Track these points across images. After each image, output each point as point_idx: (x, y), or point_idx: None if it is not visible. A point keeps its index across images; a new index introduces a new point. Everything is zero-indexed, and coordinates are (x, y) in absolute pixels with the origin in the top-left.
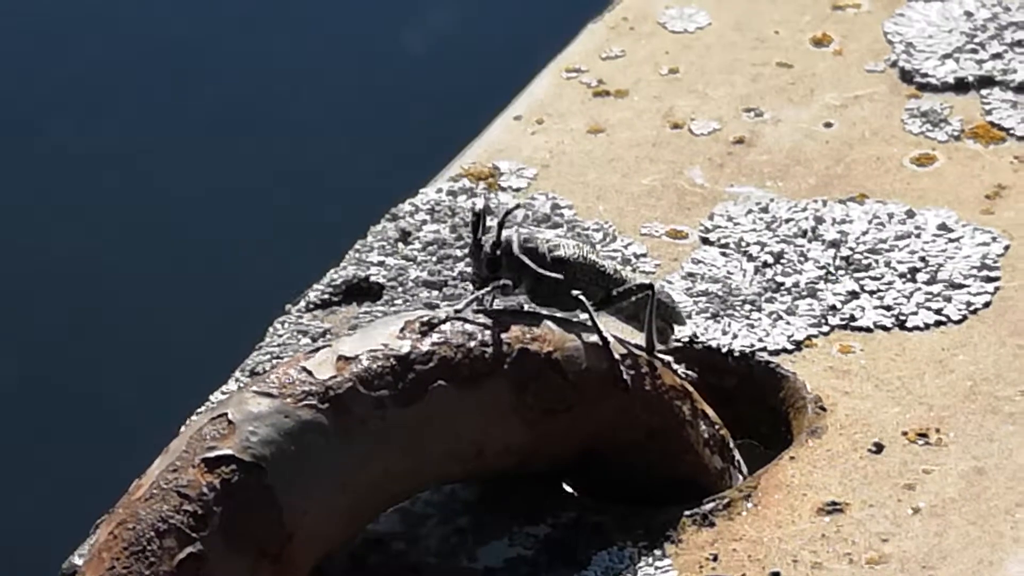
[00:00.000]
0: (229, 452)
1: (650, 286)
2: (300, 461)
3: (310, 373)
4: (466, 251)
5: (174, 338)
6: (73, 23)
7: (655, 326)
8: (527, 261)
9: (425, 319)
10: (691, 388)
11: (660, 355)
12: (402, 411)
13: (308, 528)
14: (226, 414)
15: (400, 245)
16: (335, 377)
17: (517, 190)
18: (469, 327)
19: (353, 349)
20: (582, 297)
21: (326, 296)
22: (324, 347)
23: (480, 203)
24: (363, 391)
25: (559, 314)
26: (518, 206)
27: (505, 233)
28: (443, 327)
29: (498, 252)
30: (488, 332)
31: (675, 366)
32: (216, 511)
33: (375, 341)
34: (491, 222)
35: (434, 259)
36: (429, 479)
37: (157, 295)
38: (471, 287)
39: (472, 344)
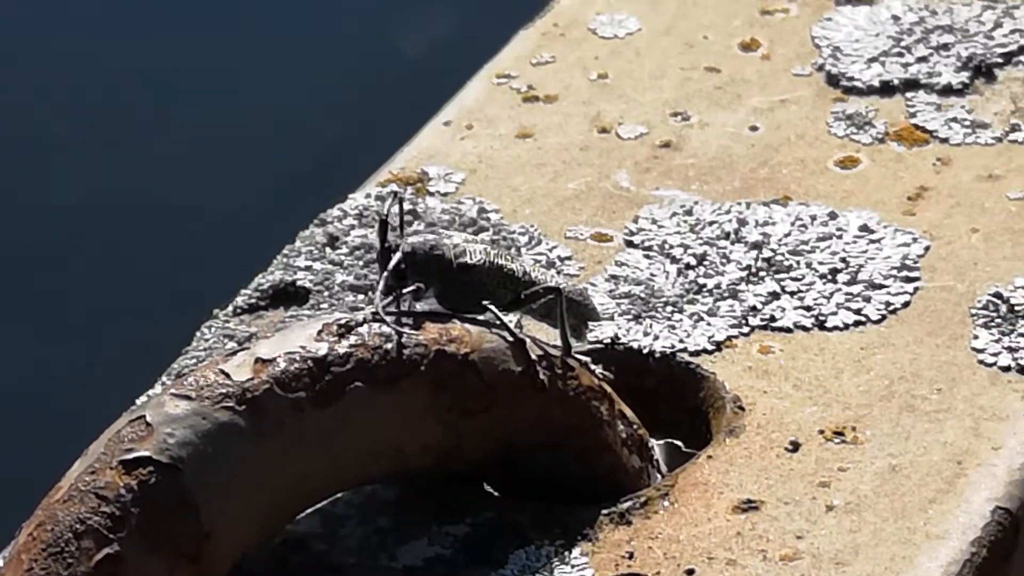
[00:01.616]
0: (146, 454)
1: (557, 289)
2: (217, 462)
3: (228, 375)
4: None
5: (102, 341)
6: None
7: (568, 325)
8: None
9: (343, 321)
10: (609, 388)
11: (577, 355)
12: (319, 412)
13: (226, 528)
14: (144, 416)
15: (328, 250)
16: (252, 379)
17: (445, 195)
18: (386, 329)
19: (271, 351)
20: (490, 304)
21: (253, 300)
22: (242, 350)
23: (386, 208)
24: (280, 393)
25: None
26: (396, 196)
27: (410, 240)
28: (360, 329)
29: (402, 265)
30: (406, 334)
31: (592, 366)
32: (133, 512)
33: (293, 343)
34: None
35: (361, 263)
36: (348, 480)
37: (83, 298)
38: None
39: (389, 346)
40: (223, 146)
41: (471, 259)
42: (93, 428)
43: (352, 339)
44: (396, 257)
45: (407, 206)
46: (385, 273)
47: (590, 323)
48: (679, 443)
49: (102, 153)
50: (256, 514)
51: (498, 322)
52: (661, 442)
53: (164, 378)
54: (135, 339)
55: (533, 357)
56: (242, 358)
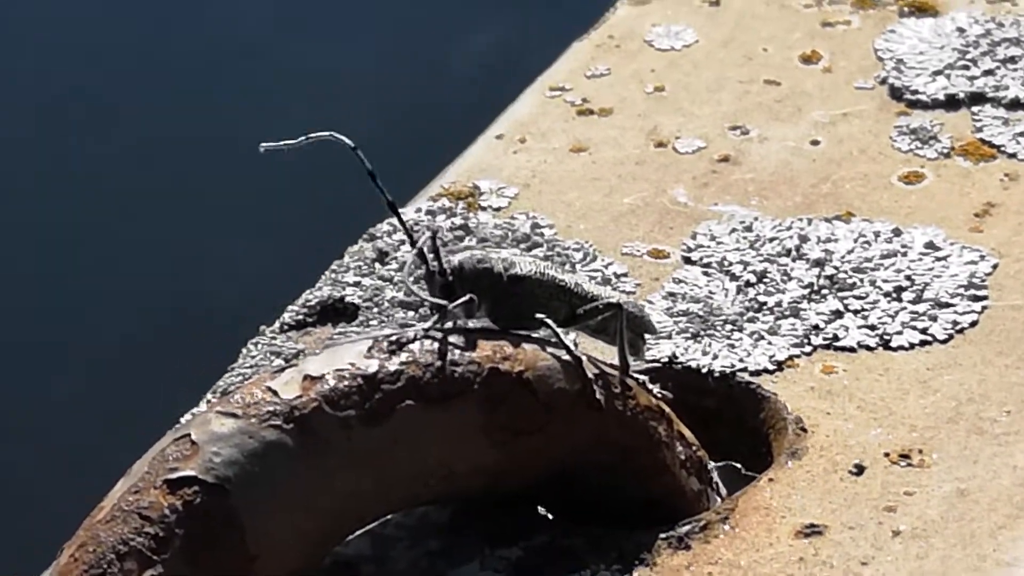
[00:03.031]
0: (192, 473)
1: (618, 305)
2: (264, 482)
3: (275, 393)
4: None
5: (148, 360)
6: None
7: (627, 341)
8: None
9: (393, 338)
10: (667, 408)
11: (635, 375)
12: (369, 431)
13: (272, 551)
14: (189, 435)
15: (377, 265)
16: (300, 397)
17: (497, 209)
18: (438, 346)
19: (319, 369)
20: (546, 319)
21: (300, 317)
22: (290, 367)
23: (427, 234)
24: (329, 411)
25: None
26: (432, 232)
27: (457, 257)
28: (412, 346)
29: (450, 277)
30: (458, 351)
31: (650, 386)
32: (178, 533)
33: (342, 360)
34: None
35: (411, 279)
36: (398, 501)
37: (131, 316)
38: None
39: (441, 363)
40: (270, 163)
41: (521, 270)
42: (137, 447)
43: (403, 356)
44: (422, 239)
45: (459, 220)
46: (434, 292)
47: (647, 337)
48: (738, 465)
49: (150, 164)
50: (303, 536)
51: (554, 338)
52: (720, 464)
53: (209, 396)
54: (180, 356)
55: (590, 375)
56: (290, 375)
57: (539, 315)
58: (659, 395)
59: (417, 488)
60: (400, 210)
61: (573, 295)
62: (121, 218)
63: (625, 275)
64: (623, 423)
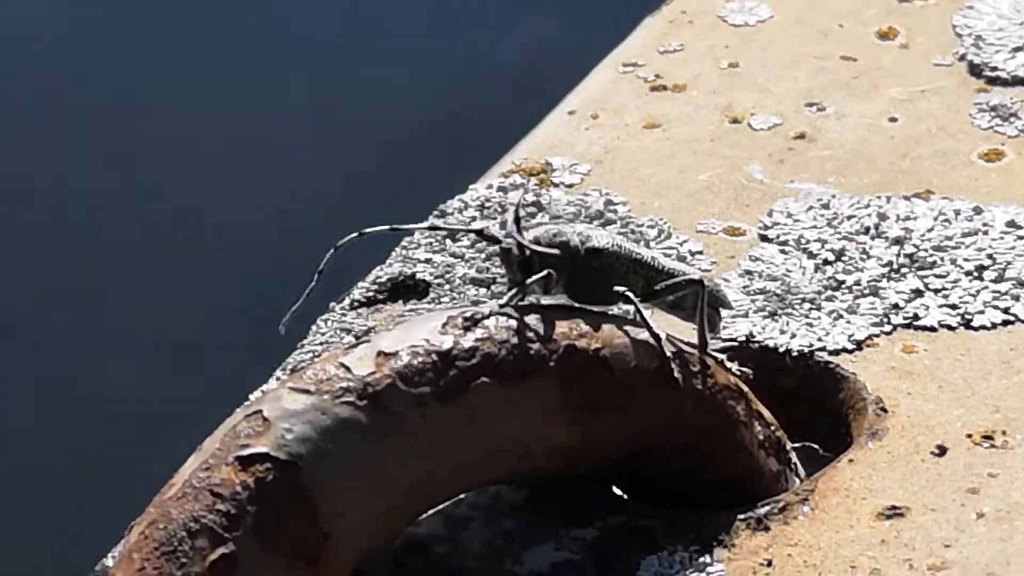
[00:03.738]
0: (264, 450)
1: (700, 281)
2: (337, 460)
3: (348, 369)
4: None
5: (216, 336)
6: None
7: (705, 317)
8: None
9: (468, 314)
10: (746, 388)
11: (713, 353)
12: (443, 409)
13: (345, 530)
14: (261, 411)
15: (448, 242)
16: (374, 373)
17: (570, 186)
18: (514, 323)
19: (393, 345)
20: (628, 292)
21: (371, 294)
22: (363, 343)
23: (516, 197)
24: (403, 388)
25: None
26: (523, 190)
27: (533, 232)
28: (487, 323)
29: (527, 252)
30: (534, 328)
31: (729, 364)
32: (250, 511)
33: (416, 336)
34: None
35: (482, 256)
36: (472, 480)
37: (199, 292)
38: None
39: (517, 340)
40: (342, 139)
41: (598, 243)
42: (207, 423)
43: (478, 333)
44: (512, 208)
45: (531, 197)
46: (512, 269)
47: (722, 314)
48: (817, 447)
49: (225, 143)
50: (377, 515)
51: (631, 314)
52: (797, 445)
53: (279, 373)
54: (249, 333)
55: (668, 353)
56: (363, 351)
57: (618, 288)
58: (738, 373)
59: (492, 467)
60: (471, 187)
61: (651, 269)
62: (185, 190)
63: (700, 252)
64: (701, 402)
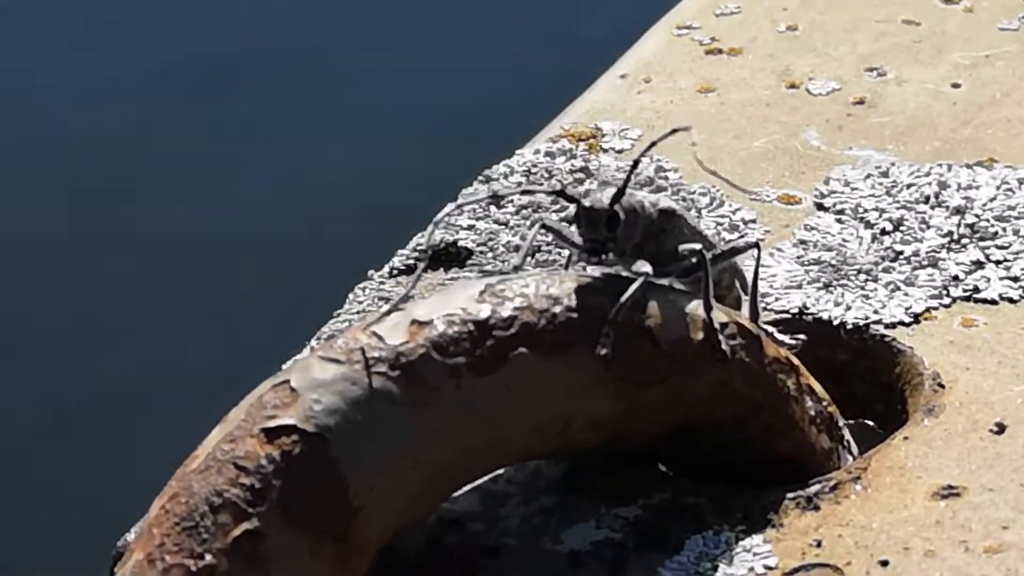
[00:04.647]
0: (291, 422)
1: (756, 244)
2: (368, 432)
3: (381, 338)
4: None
5: (254, 305)
6: None
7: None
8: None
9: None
10: (797, 361)
11: (763, 325)
12: (479, 380)
13: (375, 505)
14: (288, 381)
15: (492, 208)
16: (407, 343)
17: (620, 151)
18: (555, 291)
19: (428, 313)
20: (703, 251)
21: (411, 261)
22: (397, 311)
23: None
24: (437, 358)
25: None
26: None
27: (597, 195)
28: (526, 291)
29: (614, 209)
30: (576, 297)
31: (780, 336)
32: (275, 485)
33: (452, 305)
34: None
35: (527, 223)
36: (510, 455)
37: (237, 259)
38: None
39: (558, 309)
40: (391, 106)
41: (667, 204)
42: (239, 395)
43: (517, 301)
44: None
45: (579, 163)
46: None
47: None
48: (872, 423)
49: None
50: (409, 490)
51: (684, 282)
52: (852, 422)
53: (313, 342)
54: (290, 302)
55: (716, 324)
56: (396, 319)
57: (690, 246)
58: (791, 341)
59: (531, 442)
60: (518, 152)
61: (703, 237)
62: (233, 164)
63: (753, 221)
64: (750, 375)
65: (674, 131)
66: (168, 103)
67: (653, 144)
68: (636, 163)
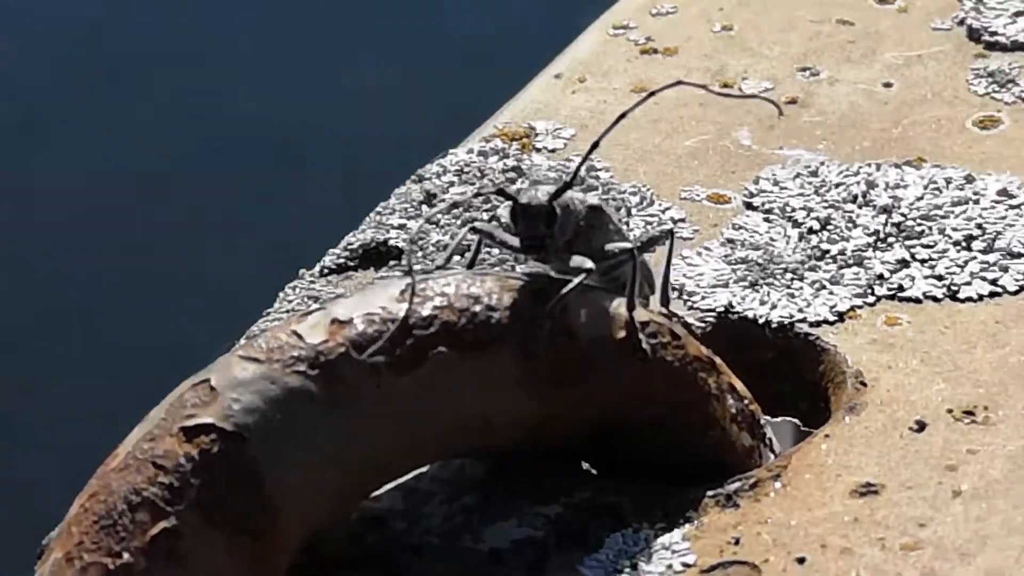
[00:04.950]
0: (209, 420)
1: (671, 232)
2: (287, 431)
3: (300, 337)
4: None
5: (185, 304)
6: None
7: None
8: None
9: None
10: (718, 360)
11: (669, 311)
12: (399, 379)
13: (294, 503)
14: (209, 380)
15: (424, 207)
16: (327, 342)
17: (552, 151)
18: (476, 290)
19: (348, 312)
20: (633, 249)
21: (342, 260)
22: (317, 310)
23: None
24: (357, 357)
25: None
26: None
27: (532, 192)
28: (447, 290)
29: (554, 206)
30: (496, 296)
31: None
32: (193, 483)
33: (372, 304)
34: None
35: (458, 222)
36: (430, 453)
37: (168, 260)
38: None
39: (477, 308)
40: (318, 105)
41: (595, 200)
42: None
43: (437, 300)
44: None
45: (512, 162)
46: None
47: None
48: (797, 421)
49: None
50: (328, 488)
51: (605, 278)
52: (778, 420)
53: (243, 341)
54: (216, 300)
55: (638, 323)
56: (317, 319)
57: (620, 245)
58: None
59: (451, 440)
60: (451, 151)
61: (624, 234)
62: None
63: (683, 220)
64: (671, 374)
65: (678, 83)
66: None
67: (622, 116)
68: (591, 150)
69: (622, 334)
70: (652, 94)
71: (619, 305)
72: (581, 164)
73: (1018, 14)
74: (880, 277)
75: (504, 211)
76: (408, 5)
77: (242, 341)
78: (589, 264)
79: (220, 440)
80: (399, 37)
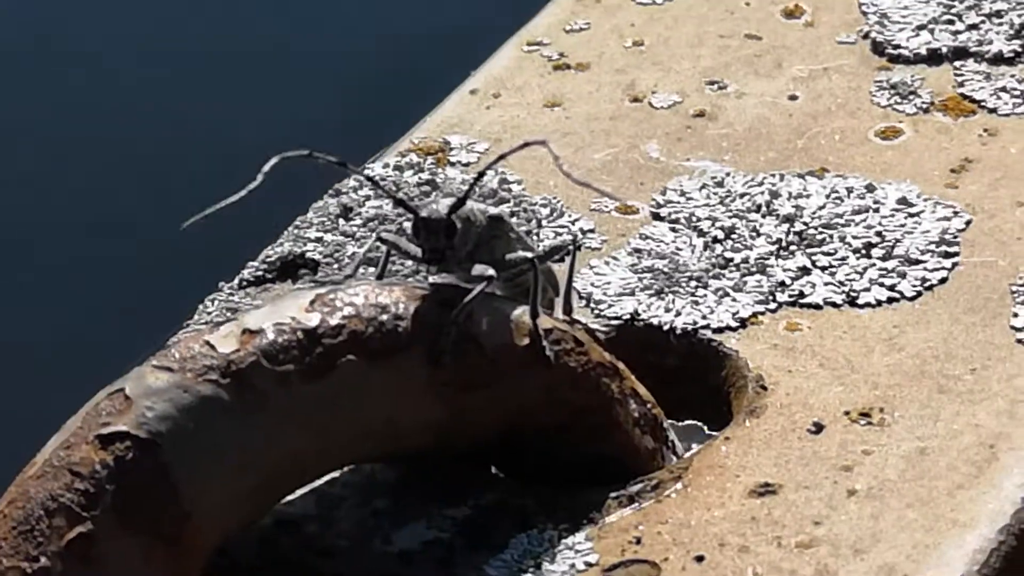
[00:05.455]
0: (124, 428)
1: (574, 240)
2: (199, 438)
3: (212, 347)
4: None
5: (100, 311)
6: None
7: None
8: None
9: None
10: (621, 365)
11: (570, 317)
12: (309, 387)
13: (207, 509)
14: (123, 389)
15: (341, 221)
16: (238, 351)
17: (466, 165)
18: (383, 300)
19: (259, 322)
20: (534, 259)
21: (260, 273)
22: (230, 320)
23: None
24: (267, 365)
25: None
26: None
27: (433, 205)
28: (355, 300)
29: (451, 219)
30: (403, 305)
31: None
32: (108, 489)
33: (283, 314)
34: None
35: (373, 236)
36: (341, 459)
37: (81, 266)
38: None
39: (385, 317)
40: (237, 116)
41: (496, 211)
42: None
43: (345, 310)
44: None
45: (426, 176)
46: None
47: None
48: (702, 424)
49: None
50: (241, 494)
51: (515, 283)
52: (684, 423)
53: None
54: (136, 312)
55: (541, 330)
56: (229, 329)
57: (521, 254)
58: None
59: (361, 446)
60: (367, 166)
61: (526, 243)
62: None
63: (592, 231)
64: (574, 380)
65: (526, 144)
66: None
67: (502, 156)
68: (481, 175)
69: (526, 341)
70: (503, 156)
71: (522, 313)
72: (475, 182)
73: (920, 27)
74: (782, 284)
75: (408, 223)
76: (321, 24)
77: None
78: (491, 272)
79: (134, 447)
80: (313, 51)
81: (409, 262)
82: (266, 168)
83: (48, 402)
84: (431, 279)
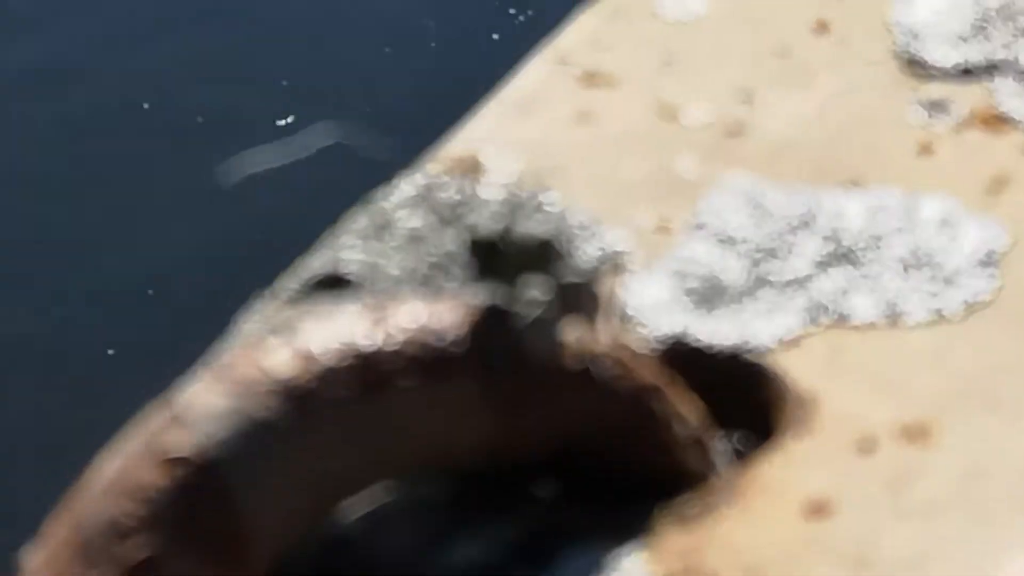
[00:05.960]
0: (184, 455)
1: (617, 264)
2: (255, 460)
3: (268, 368)
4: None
5: (139, 334)
6: None
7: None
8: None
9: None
10: (666, 385)
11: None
12: (364, 407)
13: (265, 529)
14: (180, 412)
15: (380, 233)
16: (296, 377)
17: (498, 181)
18: (437, 321)
19: (314, 344)
20: (587, 281)
21: (295, 288)
22: (281, 338)
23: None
24: (324, 391)
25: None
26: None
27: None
28: (410, 321)
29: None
30: (457, 326)
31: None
32: (170, 515)
33: (339, 336)
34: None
35: (410, 253)
36: (392, 475)
37: (121, 286)
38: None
39: (439, 339)
40: (269, 132)
41: (544, 233)
42: (127, 421)
43: (401, 335)
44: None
45: (454, 193)
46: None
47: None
48: (748, 443)
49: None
50: (297, 513)
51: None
52: (724, 442)
53: (202, 369)
54: (171, 328)
55: (590, 353)
56: (284, 351)
57: (570, 278)
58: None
59: (413, 463)
60: (401, 179)
61: (574, 264)
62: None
63: (629, 251)
64: (622, 402)
65: None
66: None
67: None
68: (527, 195)
69: (576, 363)
70: None
71: (573, 334)
72: (517, 209)
73: (952, 44)
74: (824, 302)
75: (461, 243)
76: (350, 38)
77: (200, 369)
78: (543, 295)
79: (195, 473)
80: (346, 70)
81: (460, 279)
82: (319, 145)
83: (83, 409)
84: (480, 301)
